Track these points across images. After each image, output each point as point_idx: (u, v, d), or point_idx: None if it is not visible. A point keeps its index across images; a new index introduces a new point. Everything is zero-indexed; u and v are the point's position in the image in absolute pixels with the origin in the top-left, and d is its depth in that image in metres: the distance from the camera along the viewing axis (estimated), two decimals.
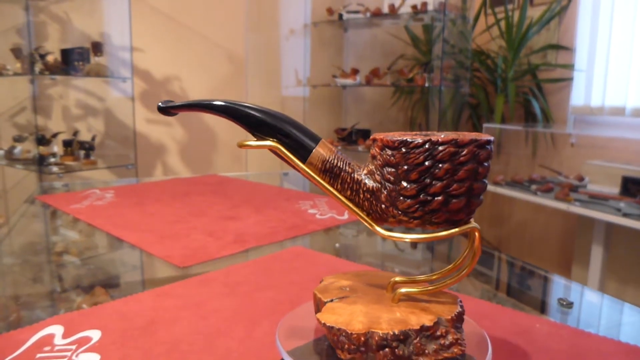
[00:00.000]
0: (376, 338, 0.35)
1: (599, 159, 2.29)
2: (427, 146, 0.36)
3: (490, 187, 2.33)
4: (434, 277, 0.42)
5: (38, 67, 2.12)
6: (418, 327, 0.35)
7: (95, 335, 0.50)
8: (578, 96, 2.47)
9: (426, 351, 0.35)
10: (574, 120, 2.53)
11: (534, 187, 2.19)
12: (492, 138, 0.38)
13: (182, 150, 2.71)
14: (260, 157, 2.93)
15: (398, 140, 0.37)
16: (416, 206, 0.37)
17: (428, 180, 0.37)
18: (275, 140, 0.40)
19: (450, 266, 0.41)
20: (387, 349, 0.34)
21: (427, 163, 0.36)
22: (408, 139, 0.37)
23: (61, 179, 2.11)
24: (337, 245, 0.90)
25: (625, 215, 1.79)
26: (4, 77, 2.19)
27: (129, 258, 0.77)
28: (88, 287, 0.66)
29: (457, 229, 0.38)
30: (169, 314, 0.55)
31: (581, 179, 2.21)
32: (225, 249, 0.78)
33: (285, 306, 0.57)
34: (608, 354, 0.47)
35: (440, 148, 0.36)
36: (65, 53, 2.17)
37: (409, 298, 0.41)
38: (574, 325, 0.55)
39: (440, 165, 0.36)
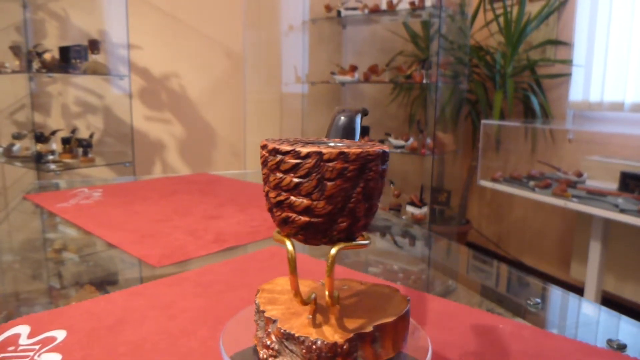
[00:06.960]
0: (254, 302, 0.41)
1: (598, 154, 2.27)
2: (264, 150, 0.37)
3: (489, 184, 2.33)
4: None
5: (36, 65, 2.13)
6: (268, 316, 0.38)
7: (60, 335, 0.50)
8: (577, 92, 2.45)
9: (259, 336, 0.38)
10: (573, 115, 2.51)
11: (532, 183, 2.18)
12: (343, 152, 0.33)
13: (181, 147, 2.72)
14: (258, 155, 2.94)
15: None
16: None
17: (267, 187, 0.37)
18: None
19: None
20: (257, 315, 0.39)
21: (265, 169, 0.37)
22: (267, 142, 0.38)
23: (59, 177, 2.13)
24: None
25: (623, 211, 1.78)
26: (3, 75, 2.20)
27: (105, 258, 0.77)
28: (61, 287, 0.67)
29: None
30: (138, 314, 0.56)
31: (580, 175, 2.20)
32: (204, 248, 0.79)
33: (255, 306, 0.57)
34: (565, 354, 0.47)
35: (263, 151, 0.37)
36: (63, 51, 2.18)
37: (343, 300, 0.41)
38: (540, 326, 0.55)
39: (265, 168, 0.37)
